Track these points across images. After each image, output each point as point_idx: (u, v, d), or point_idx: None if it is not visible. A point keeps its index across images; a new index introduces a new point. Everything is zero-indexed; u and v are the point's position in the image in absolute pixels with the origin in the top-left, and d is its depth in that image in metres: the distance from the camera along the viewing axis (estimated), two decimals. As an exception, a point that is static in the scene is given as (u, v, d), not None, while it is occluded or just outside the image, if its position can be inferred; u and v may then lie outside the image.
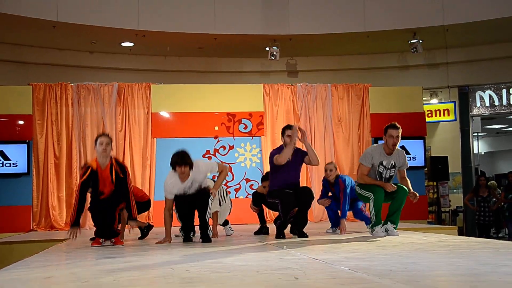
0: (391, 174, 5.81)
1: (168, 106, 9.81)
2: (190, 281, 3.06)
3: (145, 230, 6.71)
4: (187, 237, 5.84)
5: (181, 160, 5.51)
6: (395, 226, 5.77)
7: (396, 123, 5.82)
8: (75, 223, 5.55)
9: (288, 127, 6.10)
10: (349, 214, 6.97)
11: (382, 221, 5.78)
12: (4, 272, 3.68)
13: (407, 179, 5.92)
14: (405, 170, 5.94)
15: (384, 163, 5.77)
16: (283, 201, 5.89)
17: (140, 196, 6.72)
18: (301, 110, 10.03)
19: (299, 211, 5.97)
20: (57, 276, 3.55)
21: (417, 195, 5.84)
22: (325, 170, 6.84)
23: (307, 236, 5.86)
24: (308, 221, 6.24)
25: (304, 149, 6.16)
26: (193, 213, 5.84)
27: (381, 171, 5.78)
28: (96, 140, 5.67)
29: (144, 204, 6.86)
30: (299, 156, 6.11)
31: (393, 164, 5.79)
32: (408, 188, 5.79)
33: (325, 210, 7.38)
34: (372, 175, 5.81)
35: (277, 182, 6.00)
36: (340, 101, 10.16)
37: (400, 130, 5.78)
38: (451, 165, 11.54)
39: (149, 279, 3.29)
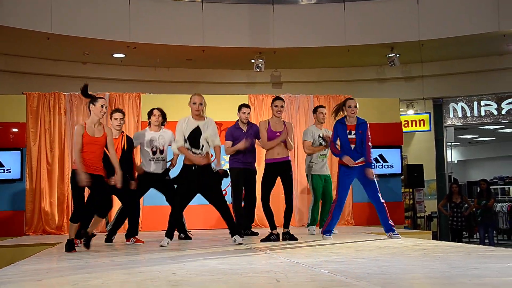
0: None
1: (158, 115, 9.93)
2: (176, 283, 3.12)
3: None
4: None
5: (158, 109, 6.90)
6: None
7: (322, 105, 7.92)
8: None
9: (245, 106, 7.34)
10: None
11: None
12: (-3, 275, 3.73)
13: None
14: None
15: (320, 134, 7.41)
16: None
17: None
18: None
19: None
20: (47, 279, 3.62)
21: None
22: (349, 106, 6.02)
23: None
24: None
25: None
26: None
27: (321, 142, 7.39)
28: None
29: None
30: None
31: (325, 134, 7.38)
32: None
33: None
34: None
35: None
36: (322, 112, 10.48)
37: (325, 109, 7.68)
38: (426, 172, 11.82)
39: (137, 282, 3.33)
